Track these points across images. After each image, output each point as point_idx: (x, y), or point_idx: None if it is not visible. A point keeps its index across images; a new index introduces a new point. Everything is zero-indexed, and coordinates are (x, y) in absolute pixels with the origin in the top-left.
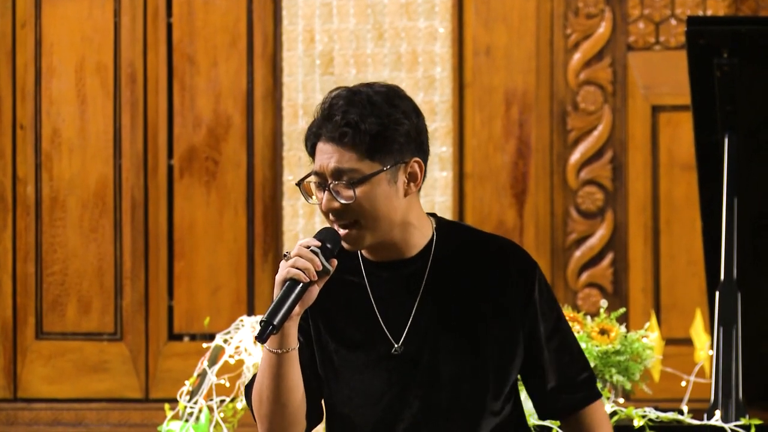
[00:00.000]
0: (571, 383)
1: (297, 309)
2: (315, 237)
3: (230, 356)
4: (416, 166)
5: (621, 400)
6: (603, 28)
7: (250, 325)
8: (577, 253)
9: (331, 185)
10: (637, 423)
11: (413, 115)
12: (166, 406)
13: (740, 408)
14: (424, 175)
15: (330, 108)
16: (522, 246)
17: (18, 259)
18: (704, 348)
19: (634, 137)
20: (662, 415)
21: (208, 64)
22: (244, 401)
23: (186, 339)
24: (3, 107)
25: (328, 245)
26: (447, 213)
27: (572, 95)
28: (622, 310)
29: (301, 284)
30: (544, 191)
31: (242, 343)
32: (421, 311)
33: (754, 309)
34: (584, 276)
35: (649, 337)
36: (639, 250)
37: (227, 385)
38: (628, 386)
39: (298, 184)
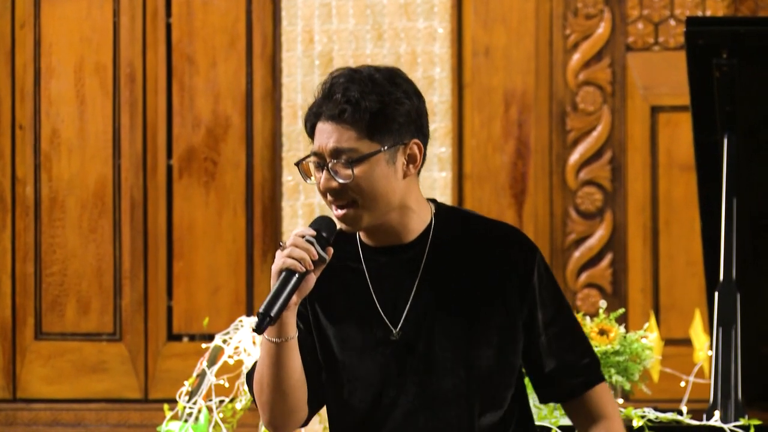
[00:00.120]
0: (571, 369)
1: (294, 299)
2: (310, 226)
3: (229, 356)
4: (415, 147)
5: (620, 401)
6: (602, 29)
7: (250, 325)
8: (576, 254)
9: (329, 164)
10: (637, 423)
11: (414, 96)
12: (165, 406)
13: (739, 408)
14: (424, 158)
15: (331, 86)
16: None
17: (17, 259)
18: (703, 348)
19: (633, 138)
20: (661, 415)
21: (207, 65)
22: (244, 402)
23: (185, 339)
24: (2, 107)
25: (324, 234)
26: None
27: (571, 96)
28: (621, 310)
29: (297, 274)
30: (543, 192)
31: (241, 343)
32: (419, 296)
33: (754, 309)
34: (583, 276)
35: (648, 338)
36: (638, 251)
37: (226, 385)
38: (628, 387)
39: (297, 164)
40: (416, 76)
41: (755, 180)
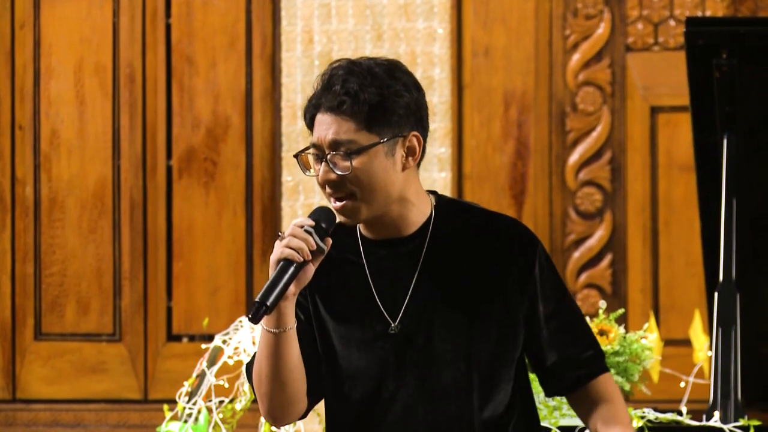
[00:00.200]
0: (574, 362)
1: (292, 289)
2: (309, 216)
3: (229, 357)
4: (415, 140)
5: None
6: (602, 29)
7: (249, 326)
8: (576, 254)
9: (328, 156)
10: (636, 424)
11: (413, 89)
12: (165, 407)
13: (739, 409)
14: (423, 151)
15: (330, 78)
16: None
17: (17, 259)
18: (703, 349)
19: (633, 138)
20: (661, 416)
21: (206, 65)
22: (243, 402)
23: (185, 340)
24: (2, 108)
25: (323, 224)
26: None
27: (571, 96)
28: (621, 311)
29: (295, 264)
30: (543, 192)
31: (241, 343)
32: (418, 289)
33: (754, 310)
34: (583, 277)
35: (648, 338)
36: (638, 251)
37: (226, 386)
38: (627, 387)
39: (296, 156)
40: (416, 77)
41: (755, 180)
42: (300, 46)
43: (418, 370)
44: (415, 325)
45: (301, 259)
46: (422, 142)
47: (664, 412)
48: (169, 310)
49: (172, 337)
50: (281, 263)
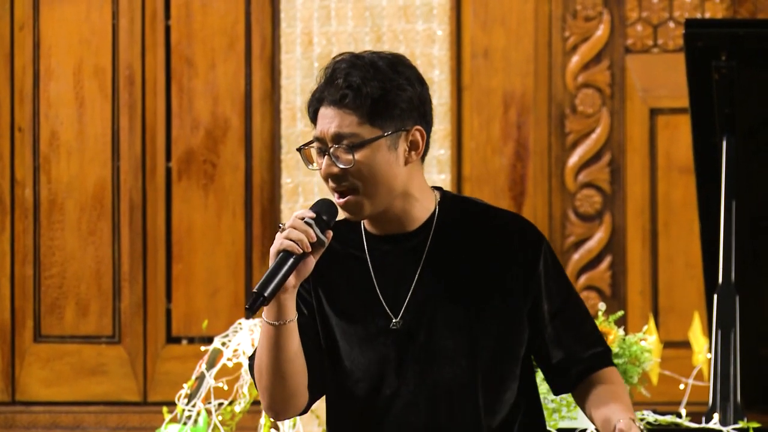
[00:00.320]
0: (579, 360)
1: (292, 281)
2: (311, 208)
3: (228, 359)
4: (418, 134)
5: None
6: (601, 31)
7: (249, 328)
8: (576, 256)
9: (330, 149)
10: None
11: (417, 83)
12: (165, 409)
13: (738, 411)
14: (427, 146)
15: (333, 72)
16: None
17: (16, 261)
18: (702, 351)
19: (633, 140)
20: (660, 418)
21: (206, 67)
22: (243, 404)
23: (184, 342)
24: (1, 110)
25: (324, 217)
26: None
27: (570, 98)
28: (620, 313)
29: (294, 256)
30: (543, 194)
31: (240, 345)
32: (421, 285)
33: (753, 311)
34: (582, 279)
35: (648, 340)
36: (637, 253)
37: (225, 388)
38: (627, 389)
39: (300, 149)
40: (419, 71)
41: (754, 182)
42: (299, 48)
43: (419, 366)
44: (416, 321)
45: (301, 251)
46: (425, 136)
47: (663, 414)
48: (169, 312)
49: (172, 339)
50: (281, 254)
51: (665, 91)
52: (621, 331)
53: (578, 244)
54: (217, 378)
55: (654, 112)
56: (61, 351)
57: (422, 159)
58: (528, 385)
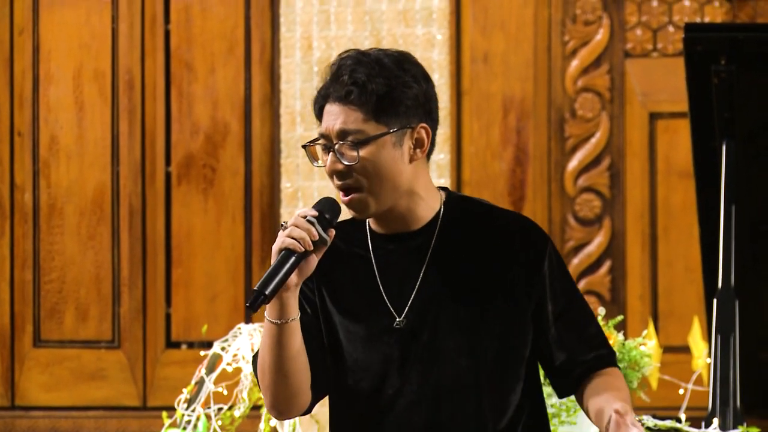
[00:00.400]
0: (582, 362)
1: (294, 279)
2: (314, 207)
3: (228, 364)
4: (423, 132)
5: None
6: (601, 35)
7: (248, 333)
8: (575, 261)
9: (335, 146)
10: None
11: (422, 80)
12: (164, 414)
13: (738, 416)
14: (432, 144)
15: (338, 68)
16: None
17: (16, 266)
18: (702, 356)
19: (632, 144)
20: (660, 423)
21: (205, 71)
22: (242, 409)
23: (184, 347)
24: (1, 114)
25: (326, 215)
26: None
27: (570, 102)
28: (620, 317)
29: (296, 254)
30: (542, 199)
31: (240, 350)
32: (425, 285)
33: (753, 316)
34: (582, 284)
35: (647, 345)
36: (636, 258)
37: (225, 392)
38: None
39: (305, 146)
40: (425, 69)
41: (754, 186)
42: (299, 53)
43: (423, 365)
44: (420, 320)
45: (303, 249)
46: (431, 134)
47: (663, 419)
48: (168, 317)
49: (171, 344)
50: (282, 253)
51: (665, 96)
52: (620, 336)
53: (578, 249)
54: (216, 383)
55: (653, 117)
56: (61, 356)
57: (428, 157)
58: (533, 387)
